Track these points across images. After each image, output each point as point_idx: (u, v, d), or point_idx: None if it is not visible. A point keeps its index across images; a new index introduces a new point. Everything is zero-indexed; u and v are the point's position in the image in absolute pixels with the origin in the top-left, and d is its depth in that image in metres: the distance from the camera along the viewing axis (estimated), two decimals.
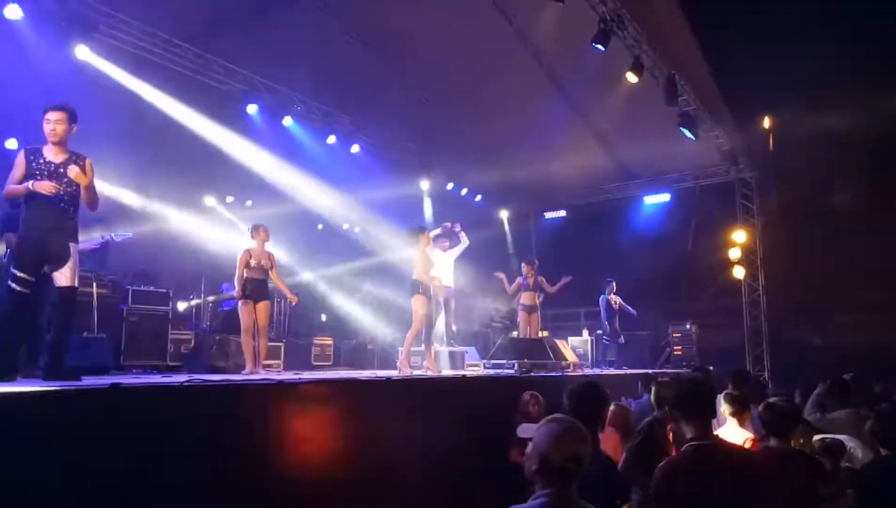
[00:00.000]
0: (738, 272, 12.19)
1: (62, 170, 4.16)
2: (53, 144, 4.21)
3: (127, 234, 6.71)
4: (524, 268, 9.84)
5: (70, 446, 2.79)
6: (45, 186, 4.05)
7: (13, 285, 3.99)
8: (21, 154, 4.20)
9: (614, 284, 11.13)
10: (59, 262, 4.10)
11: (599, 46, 7.93)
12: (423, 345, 7.19)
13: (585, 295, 13.46)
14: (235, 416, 3.53)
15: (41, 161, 4.17)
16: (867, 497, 3.32)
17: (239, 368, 6.75)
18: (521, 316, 9.57)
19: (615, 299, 11.05)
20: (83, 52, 7.68)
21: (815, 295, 12.98)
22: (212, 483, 3.23)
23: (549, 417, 2.46)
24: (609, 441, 4.46)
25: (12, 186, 4.15)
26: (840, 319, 13.66)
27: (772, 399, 3.76)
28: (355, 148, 11.11)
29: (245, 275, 6.51)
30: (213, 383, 3.71)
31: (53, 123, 4.18)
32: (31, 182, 4.05)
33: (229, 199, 12.79)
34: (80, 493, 2.74)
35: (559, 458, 2.27)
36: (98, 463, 2.83)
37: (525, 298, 9.54)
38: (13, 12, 6.80)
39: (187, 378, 3.81)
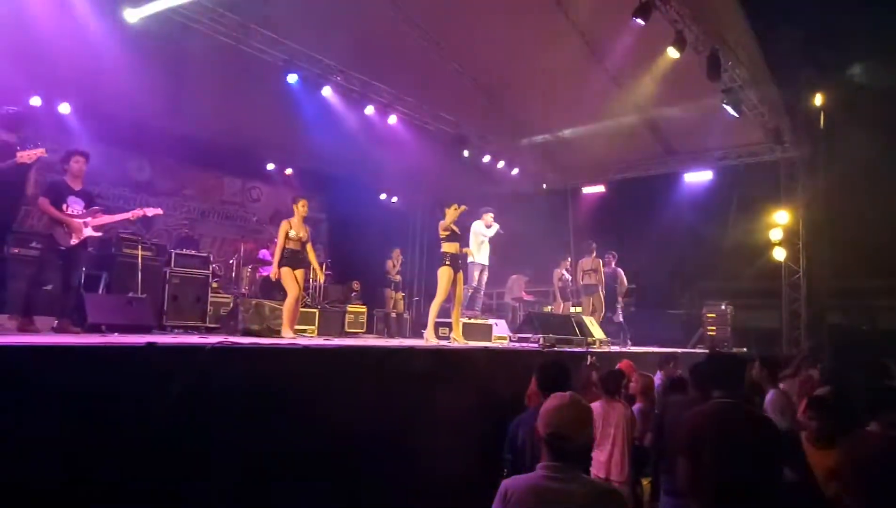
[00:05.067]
0: (779, 254, 11.94)
1: None
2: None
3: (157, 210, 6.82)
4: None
5: (106, 397, 3.04)
6: None
7: None
8: None
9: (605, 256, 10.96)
10: None
11: (640, 20, 7.78)
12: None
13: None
14: (263, 378, 3.76)
15: None
16: None
17: (272, 332, 7.04)
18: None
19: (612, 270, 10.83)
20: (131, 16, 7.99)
21: (858, 280, 12.67)
22: (234, 442, 3.46)
23: (555, 394, 2.57)
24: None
25: None
26: (882, 304, 13.33)
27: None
28: (392, 119, 11.19)
29: (285, 245, 6.77)
30: (242, 345, 3.92)
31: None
32: None
33: (270, 166, 13.13)
34: (110, 443, 2.98)
35: (543, 432, 2.36)
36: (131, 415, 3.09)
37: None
38: None
39: (219, 340, 4.03)
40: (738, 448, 2.87)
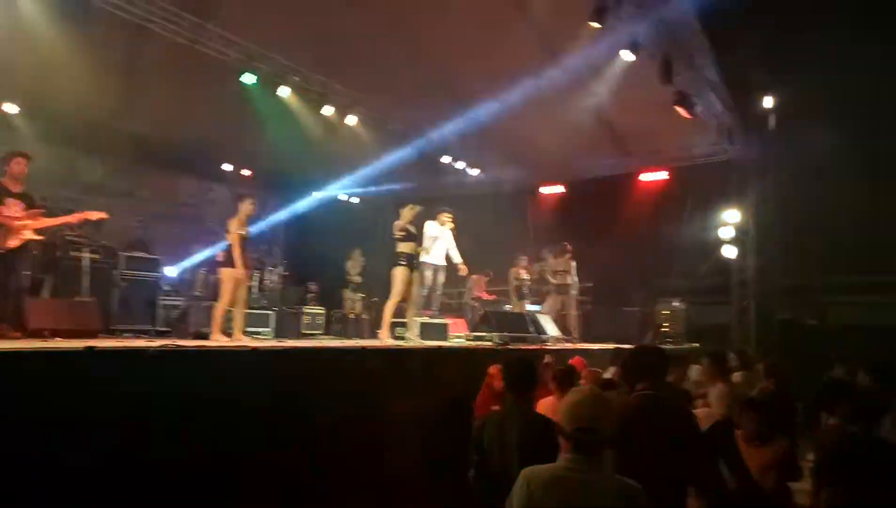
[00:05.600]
0: (730, 252, 12.25)
1: None
2: None
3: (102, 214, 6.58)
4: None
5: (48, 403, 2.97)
6: None
7: None
8: None
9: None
10: None
11: (595, 24, 7.92)
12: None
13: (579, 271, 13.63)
14: (209, 382, 3.72)
15: None
16: None
17: (226, 335, 6.88)
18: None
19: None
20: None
21: (807, 277, 13.07)
22: (178, 446, 3.41)
23: (574, 388, 2.59)
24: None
25: None
26: (830, 300, 13.78)
27: None
28: (351, 119, 11.14)
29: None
30: (185, 349, 3.87)
31: None
32: None
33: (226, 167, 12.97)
34: (46, 452, 2.92)
35: (569, 427, 2.32)
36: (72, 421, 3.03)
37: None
38: None
39: (163, 343, 3.98)
40: (659, 439, 2.94)
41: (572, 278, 10.37)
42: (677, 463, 3.03)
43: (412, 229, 7.21)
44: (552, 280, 10.49)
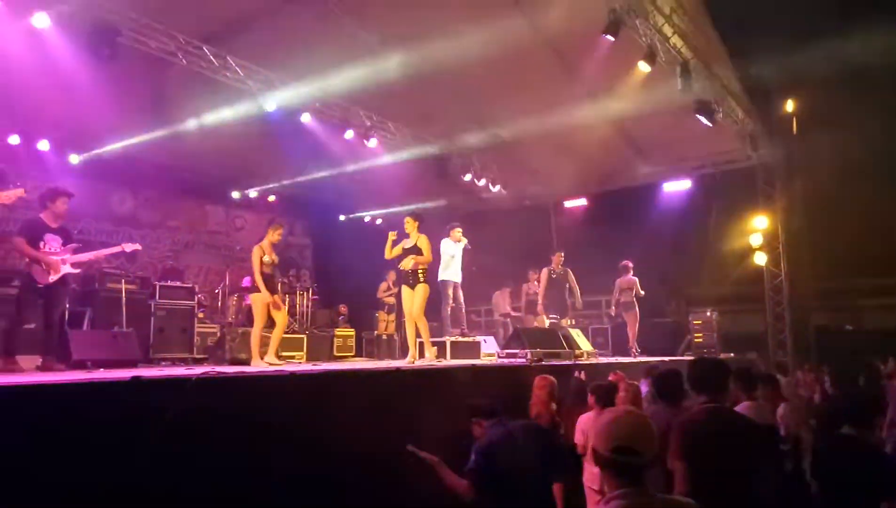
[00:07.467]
0: (760, 258, 12.09)
1: None
2: None
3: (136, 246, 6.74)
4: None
5: (92, 434, 3.02)
6: None
7: None
8: None
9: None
10: None
11: (610, 37, 7.93)
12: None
13: (607, 284, 13.51)
14: (251, 407, 3.75)
15: None
16: None
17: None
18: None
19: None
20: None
21: (840, 281, 12.84)
22: (222, 474, 3.44)
23: (609, 408, 2.53)
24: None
25: None
26: (865, 304, 13.50)
27: None
28: (373, 142, 11.27)
29: (262, 271, 6.70)
30: (227, 375, 3.92)
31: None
32: None
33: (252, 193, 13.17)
34: (98, 479, 2.96)
35: (606, 448, 2.14)
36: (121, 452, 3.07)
37: None
38: (41, 21, 7.07)
39: (205, 371, 4.03)
40: (731, 449, 2.94)
41: (636, 295, 10.48)
42: (753, 474, 3.02)
43: (420, 249, 7.20)
44: (619, 299, 10.55)
